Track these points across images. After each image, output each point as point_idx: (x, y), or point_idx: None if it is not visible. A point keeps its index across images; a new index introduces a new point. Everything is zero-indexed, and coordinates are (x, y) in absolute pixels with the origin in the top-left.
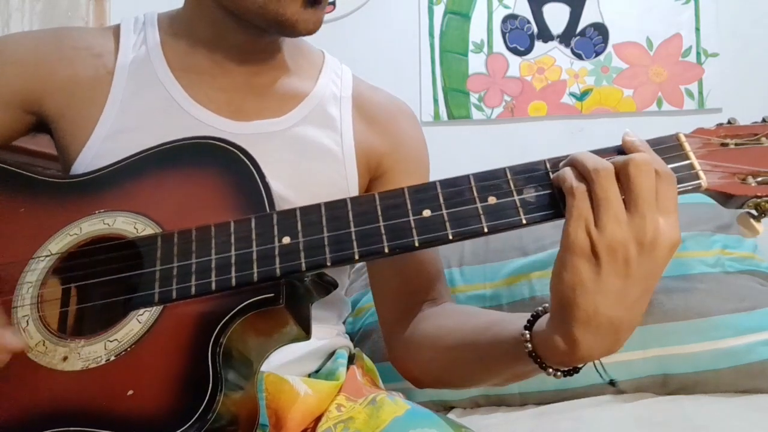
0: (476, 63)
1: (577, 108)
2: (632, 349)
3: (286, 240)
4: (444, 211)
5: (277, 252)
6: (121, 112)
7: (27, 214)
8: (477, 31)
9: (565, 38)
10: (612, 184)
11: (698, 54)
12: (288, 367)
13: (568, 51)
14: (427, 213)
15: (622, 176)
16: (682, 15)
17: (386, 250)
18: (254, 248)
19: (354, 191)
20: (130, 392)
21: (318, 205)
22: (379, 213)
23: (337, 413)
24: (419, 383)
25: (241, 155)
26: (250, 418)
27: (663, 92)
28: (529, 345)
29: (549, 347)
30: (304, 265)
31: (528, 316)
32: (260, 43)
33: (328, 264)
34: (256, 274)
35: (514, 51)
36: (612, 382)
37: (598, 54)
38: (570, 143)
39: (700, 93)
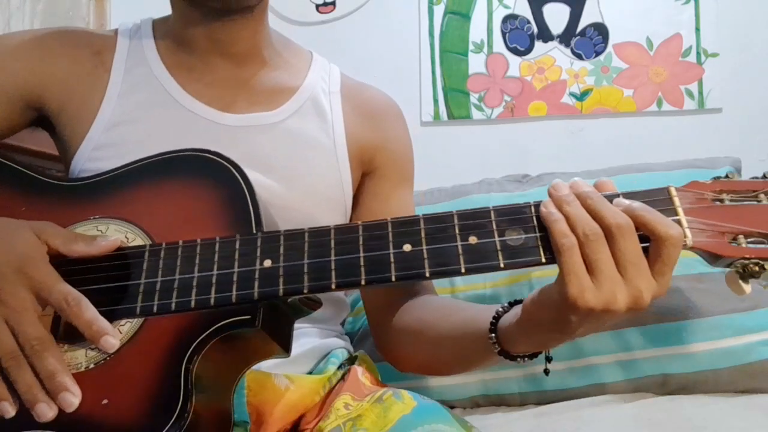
0: (476, 63)
1: (577, 108)
2: (632, 349)
3: (268, 263)
4: (424, 247)
5: (257, 275)
6: (119, 106)
7: (28, 215)
8: (477, 31)
9: (565, 38)
10: (605, 247)
11: (698, 54)
12: (280, 368)
13: (568, 51)
14: (407, 248)
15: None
16: (682, 15)
17: (363, 282)
18: (236, 269)
19: (347, 183)
20: (105, 401)
21: (302, 231)
22: (361, 243)
23: (345, 411)
24: (403, 370)
25: (234, 171)
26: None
27: (663, 92)
28: (497, 346)
29: (519, 343)
30: (281, 291)
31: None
32: (226, 30)
33: (305, 291)
34: (234, 296)
35: (514, 51)
36: (546, 371)
37: (598, 54)
38: (570, 143)
39: (700, 93)
